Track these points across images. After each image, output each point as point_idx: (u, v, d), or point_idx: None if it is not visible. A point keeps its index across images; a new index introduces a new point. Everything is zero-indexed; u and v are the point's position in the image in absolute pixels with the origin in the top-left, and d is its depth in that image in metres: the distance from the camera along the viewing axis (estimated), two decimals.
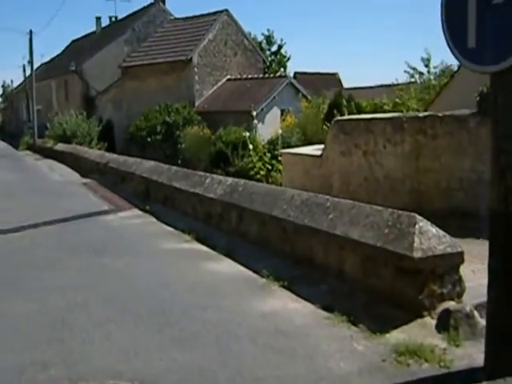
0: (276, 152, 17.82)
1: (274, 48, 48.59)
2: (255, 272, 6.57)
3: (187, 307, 5.62)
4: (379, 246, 5.23)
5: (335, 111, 21.18)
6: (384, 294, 5.28)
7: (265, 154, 17.34)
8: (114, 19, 48.85)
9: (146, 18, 41.81)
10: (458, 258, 5.05)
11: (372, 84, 40.14)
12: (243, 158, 29.87)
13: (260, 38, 48.20)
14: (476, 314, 4.81)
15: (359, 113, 21.56)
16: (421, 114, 12.16)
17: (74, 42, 55.31)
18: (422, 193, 12.16)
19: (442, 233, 5.16)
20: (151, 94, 36.30)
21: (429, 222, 5.27)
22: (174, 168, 11.37)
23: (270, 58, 48.18)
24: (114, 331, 5.13)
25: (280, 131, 17.72)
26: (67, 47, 56.05)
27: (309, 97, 35.05)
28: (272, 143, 19.96)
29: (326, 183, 14.46)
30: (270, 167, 17.25)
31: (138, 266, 7.23)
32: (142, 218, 10.40)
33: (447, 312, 4.78)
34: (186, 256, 7.60)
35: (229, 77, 37.39)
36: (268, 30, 49.57)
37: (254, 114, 32.96)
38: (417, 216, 5.30)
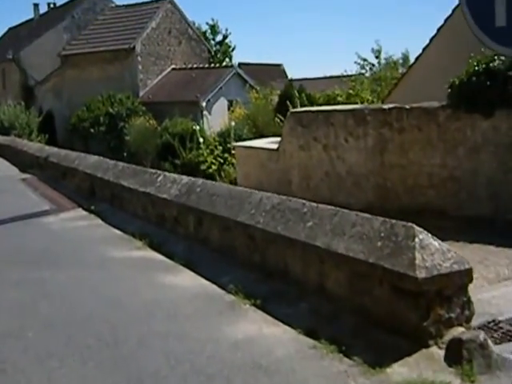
0: (228, 145, 16.94)
1: (219, 38, 47.59)
2: (221, 287, 5.72)
3: (144, 335, 4.73)
4: (372, 263, 4.45)
5: (288, 103, 20.45)
6: (378, 317, 4.51)
7: (216, 147, 16.44)
8: (52, 6, 46.96)
9: (86, 5, 40.33)
10: (466, 276, 4.30)
11: (319, 75, 39.65)
12: (191, 151, 28.93)
13: (204, 27, 47.20)
14: (490, 342, 4.08)
15: (311, 104, 20.88)
16: (385, 106, 11.46)
17: (10, 29, 53.08)
18: (388, 189, 11.50)
19: (445, 247, 4.40)
20: (93, 84, 34.98)
21: (429, 234, 4.51)
22: (121, 164, 10.40)
23: (214, 48, 47.14)
24: (56, 369, 4.21)
25: (233, 123, 16.81)
26: (4, 35, 53.76)
27: (256, 87, 34.34)
28: (222, 135, 19.06)
29: (283, 178, 13.72)
30: (222, 161, 16.36)
31: (84, 281, 6.25)
32: (87, 219, 9.36)
33: (459, 342, 4.02)
34: (139, 267, 6.65)
35: (173, 66, 36.37)
36: (212, 20, 48.49)
37: (204, 104, 32.04)
38: (415, 227, 4.53)
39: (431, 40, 16.87)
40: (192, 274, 6.24)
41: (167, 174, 8.65)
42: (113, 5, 40.48)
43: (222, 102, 33.65)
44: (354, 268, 4.72)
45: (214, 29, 47.36)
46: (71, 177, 12.19)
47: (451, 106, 10.33)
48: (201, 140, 16.57)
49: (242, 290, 5.48)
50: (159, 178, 8.45)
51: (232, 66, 34.20)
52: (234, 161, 16.75)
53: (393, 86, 18.82)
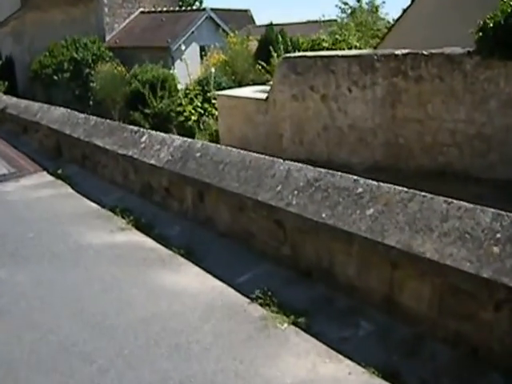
0: (208, 94, 15.24)
1: None
2: (240, 291, 4.22)
3: None
4: (487, 278, 3.00)
5: (270, 48, 18.75)
6: (487, 352, 3.09)
7: (196, 96, 14.72)
8: None
9: None
10: None
11: (293, 21, 37.63)
12: (162, 99, 27.12)
13: None
14: None
15: (295, 50, 19.21)
16: (398, 52, 9.89)
17: None
18: (400, 147, 10.03)
19: None
20: (56, 28, 32.60)
21: None
22: (94, 118, 8.70)
23: None
24: None
25: (212, 69, 15.06)
26: None
27: (230, 33, 32.39)
28: (200, 83, 17.28)
29: (273, 132, 12.21)
30: (202, 112, 14.67)
31: (51, 285, 4.59)
32: (54, 187, 7.63)
33: None
34: (126, 259, 4.99)
35: (142, 9, 34.06)
36: None
37: (174, 48, 30.05)
38: None
39: None
40: (197, 269, 4.70)
41: (153, 132, 7.02)
42: None
43: (194, 48, 31.66)
44: (450, 282, 3.25)
45: None
46: (33, 132, 10.47)
47: (480, 52, 8.83)
48: (179, 87, 14.78)
49: (273, 299, 4.01)
50: (143, 138, 6.84)
51: (204, 9, 32.00)
52: (214, 112, 15.14)
53: (386, 32, 17.21)
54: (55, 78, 29.63)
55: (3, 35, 36.73)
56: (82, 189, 7.37)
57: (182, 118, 14.86)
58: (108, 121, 8.35)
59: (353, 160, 10.76)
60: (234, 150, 5.29)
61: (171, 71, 28.90)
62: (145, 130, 7.13)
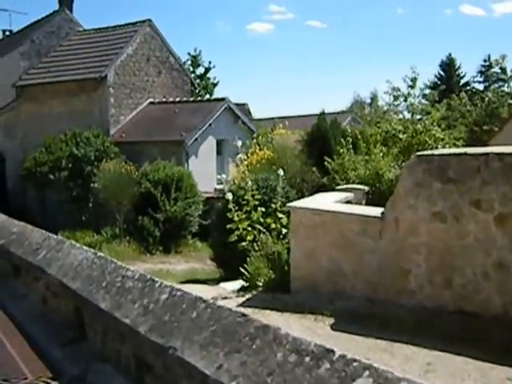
0: (274, 206, 11.04)
1: (200, 70, 41.76)
2: None
3: None
4: None
5: (326, 142, 14.92)
6: None
7: (256, 207, 10.48)
8: (8, 34, 40.77)
9: (49, 29, 34.17)
10: None
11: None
12: (177, 202, 23.06)
13: (184, 57, 41.37)
14: None
15: (353, 145, 15.33)
16: None
17: None
18: None
19: None
20: (54, 120, 29.01)
21: None
22: (135, 274, 4.52)
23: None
24: None
25: (281, 172, 10.87)
26: None
27: (249, 125, 28.78)
28: (244, 188, 12.91)
29: (392, 265, 8.10)
30: (262, 230, 10.44)
31: None
32: None
33: None
34: None
35: (151, 100, 30.57)
36: (195, 50, 42.57)
37: (190, 142, 26.33)
38: None
39: None
40: None
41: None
42: (80, 28, 34.50)
43: (211, 142, 28.02)
44: None
45: (195, 60, 41.58)
46: (32, 280, 6.25)
47: None
48: (229, 197, 10.57)
49: None
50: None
51: (223, 99, 28.44)
52: (277, 228, 10.95)
53: (503, 122, 13.37)
54: (51, 177, 25.64)
55: None
56: None
57: (233, 238, 10.60)
58: (169, 289, 4.11)
59: None
60: None
61: (186, 169, 25.10)
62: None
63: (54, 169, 25.73)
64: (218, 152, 28.57)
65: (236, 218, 10.70)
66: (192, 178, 23.91)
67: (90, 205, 26.15)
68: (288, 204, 9.80)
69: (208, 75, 42.52)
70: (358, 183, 12.57)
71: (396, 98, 18.36)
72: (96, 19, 61.74)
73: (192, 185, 23.73)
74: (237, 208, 10.79)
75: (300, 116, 37.46)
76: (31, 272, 6.37)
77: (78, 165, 25.98)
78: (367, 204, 11.97)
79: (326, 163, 13.93)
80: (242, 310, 8.78)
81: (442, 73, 53.00)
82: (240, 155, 10.98)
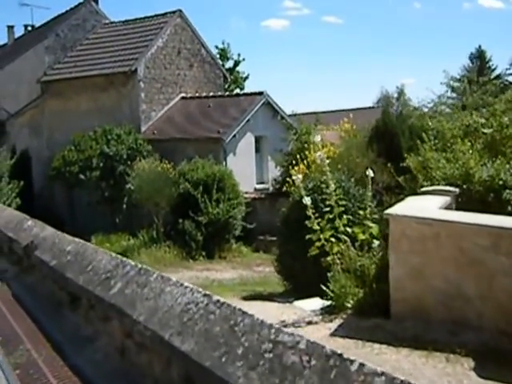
0: (362, 212, 9.35)
1: (229, 64, 40.05)
2: None
3: None
4: None
5: (393, 138, 13.22)
6: None
7: (341, 215, 8.77)
8: (30, 28, 39.37)
9: (74, 21, 32.67)
10: None
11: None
12: (219, 204, 21.43)
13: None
14: None
15: (420, 139, 13.63)
16: None
17: None
18: None
19: None
20: (81, 117, 27.57)
21: None
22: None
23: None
24: None
25: (371, 172, 9.14)
26: None
27: (288, 119, 27.07)
28: (316, 190, 11.11)
29: None
30: (347, 239, 8.75)
31: None
32: None
33: None
34: None
35: (183, 95, 28.99)
36: (223, 43, 40.92)
37: (228, 139, 24.71)
38: None
39: None
40: None
41: None
42: (106, 21, 32.99)
43: (249, 139, 26.36)
44: None
45: (224, 53, 39.92)
46: (100, 318, 4.69)
47: None
48: (308, 201, 8.82)
49: None
50: None
51: (261, 93, 26.75)
52: (362, 237, 9.24)
53: None
54: (82, 177, 24.11)
55: (19, 127, 31.61)
56: None
57: (314, 251, 8.90)
58: None
59: None
60: None
61: (224, 167, 23.45)
62: None
63: (84, 168, 24.22)
64: (257, 149, 26.92)
65: (316, 227, 9.01)
66: (233, 177, 22.31)
67: (124, 206, 24.63)
68: (386, 211, 8.08)
69: (237, 69, 40.89)
70: (445, 184, 10.85)
71: (453, 89, 16.69)
72: (122, 11, 60.07)
73: (233, 185, 22.12)
74: (317, 215, 9.09)
75: (331, 111, 35.48)
76: (99, 308, 4.79)
77: (109, 164, 24.47)
78: (457, 209, 10.24)
79: (406, 161, 12.18)
80: (341, 340, 7.05)
81: (471, 65, 50.69)
82: (319, 153, 9.23)
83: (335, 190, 9.40)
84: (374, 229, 9.06)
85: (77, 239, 6.27)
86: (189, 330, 3.48)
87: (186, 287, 4.15)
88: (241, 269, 18.90)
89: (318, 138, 10.43)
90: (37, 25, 38.53)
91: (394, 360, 6.25)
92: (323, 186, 10.10)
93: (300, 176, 9.81)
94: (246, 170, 25.16)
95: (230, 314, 3.50)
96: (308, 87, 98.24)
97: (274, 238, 21.64)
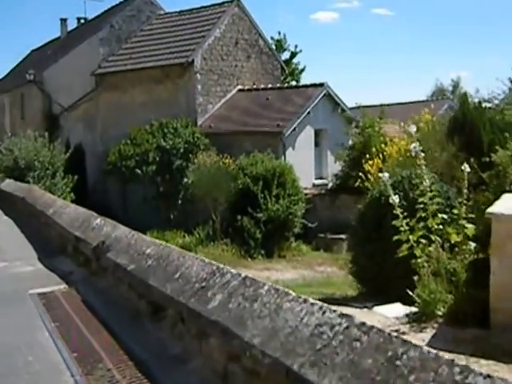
0: (456, 211, 8.28)
1: (285, 56, 38.95)
2: None
3: None
4: None
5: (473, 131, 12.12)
6: None
7: (434, 215, 7.73)
8: (83, 21, 39.00)
9: (129, 13, 32.03)
10: None
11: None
12: (278, 200, 20.43)
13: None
14: None
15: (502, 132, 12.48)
16: None
17: (33, 51, 45.21)
18: None
19: None
20: (136, 110, 26.93)
21: None
22: None
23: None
24: None
25: (467, 167, 8.05)
26: (25, 58, 45.81)
27: (349, 112, 25.90)
28: (397, 186, 10.08)
29: None
30: (439, 240, 7.74)
31: None
32: None
33: None
34: None
35: (240, 87, 28.08)
36: (279, 33, 39.80)
37: (287, 133, 23.69)
38: None
39: None
40: None
41: None
42: (161, 11, 32.30)
43: (308, 133, 25.29)
44: None
45: (280, 44, 38.87)
46: (194, 335, 3.79)
47: None
48: (396, 200, 7.74)
49: None
50: None
51: (322, 84, 25.64)
52: (456, 238, 8.14)
53: None
54: (138, 171, 23.38)
55: (73, 121, 31.16)
56: None
57: (403, 253, 7.84)
58: None
59: None
60: None
61: (284, 162, 22.43)
62: None
63: (140, 163, 23.49)
64: (316, 143, 25.84)
65: (405, 228, 7.94)
66: (293, 172, 21.29)
67: (179, 202, 23.85)
68: (488, 210, 6.98)
69: (293, 60, 39.75)
70: None
71: None
72: (177, 1, 59.08)
73: (294, 180, 21.09)
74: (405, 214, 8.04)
75: (395, 104, 34.12)
76: (193, 323, 3.89)
77: (166, 158, 23.70)
78: None
79: (491, 156, 11.02)
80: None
81: None
82: (414, 145, 8.16)
83: (430, 186, 8.36)
84: (470, 229, 7.97)
85: (157, 241, 5.36)
86: (326, 361, 2.68)
87: (313, 304, 3.23)
88: (302, 268, 17.84)
89: (413, 128, 9.36)
90: (90, 17, 38.18)
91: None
92: (417, 181, 9.04)
93: (386, 174, 8.76)
94: (304, 164, 24.09)
95: (383, 343, 2.56)
96: (359, 81, 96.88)
97: (336, 236, 20.82)
